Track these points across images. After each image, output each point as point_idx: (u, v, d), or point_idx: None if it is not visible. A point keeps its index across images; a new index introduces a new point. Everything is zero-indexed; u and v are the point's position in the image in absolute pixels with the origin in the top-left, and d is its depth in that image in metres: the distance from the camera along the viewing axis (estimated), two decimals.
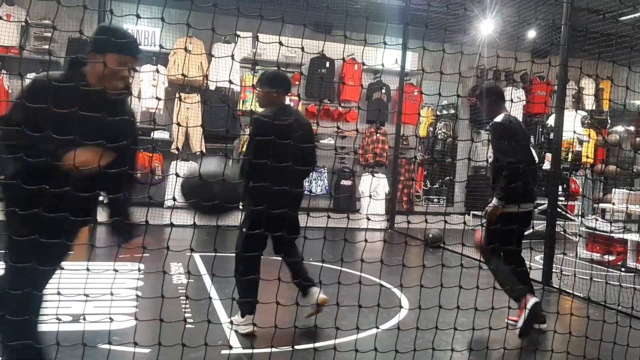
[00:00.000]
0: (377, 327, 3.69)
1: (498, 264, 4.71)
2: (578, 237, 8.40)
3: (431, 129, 12.71)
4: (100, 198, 3.08)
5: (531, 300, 4.53)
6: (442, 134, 12.57)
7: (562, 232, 6.28)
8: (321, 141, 11.60)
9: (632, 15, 7.98)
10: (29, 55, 9.96)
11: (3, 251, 2.72)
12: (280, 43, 3.40)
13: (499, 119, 4.81)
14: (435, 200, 12.94)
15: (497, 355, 3.99)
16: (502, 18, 9.62)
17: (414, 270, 4.33)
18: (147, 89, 10.37)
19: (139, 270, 5.45)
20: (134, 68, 3.02)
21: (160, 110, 10.60)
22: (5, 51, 9.79)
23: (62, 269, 3.04)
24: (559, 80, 6.41)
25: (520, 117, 12.29)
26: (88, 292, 3.38)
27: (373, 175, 11.60)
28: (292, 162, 3.36)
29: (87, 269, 3.08)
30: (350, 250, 4.81)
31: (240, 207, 3.73)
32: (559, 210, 8.18)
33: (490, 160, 5.00)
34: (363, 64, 4.44)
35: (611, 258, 7.83)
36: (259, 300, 3.32)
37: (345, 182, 11.89)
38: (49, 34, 9.98)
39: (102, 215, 3.13)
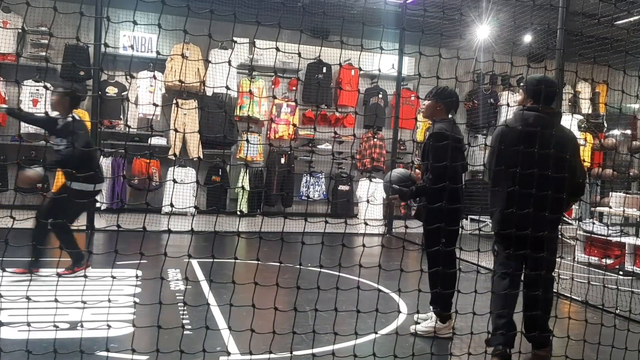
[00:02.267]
0: (376, 332, 3.68)
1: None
2: (576, 240, 8.41)
3: (428, 133, 12.72)
4: (98, 204, 3.08)
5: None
6: None
7: (559, 236, 6.28)
8: (318, 146, 11.62)
9: (627, 20, 8.02)
10: (25, 62, 9.97)
11: None
12: (277, 49, 3.41)
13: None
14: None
15: None
16: (498, 23, 9.66)
17: (412, 275, 4.33)
18: (144, 95, 10.37)
19: (137, 276, 5.44)
20: (131, 74, 3.04)
21: (158, 116, 10.61)
22: (2, 58, 9.79)
23: (60, 275, 3.04)
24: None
25: None
26: (85, 299, 3.37)
27: (370, 180, 11.61)
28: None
29: (85, 276, 3.07)
30: (349, 255, 4.80)
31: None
32: None
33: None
34: (360, 69, 4.46)
35: (609, 261, 7.84)
36: (255, 305, 3.31)
37: (343, 187, 11.90)
38: (46, 41, 9.98)
39: (100, 222, 3.13)
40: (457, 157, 4.34)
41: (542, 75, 4.25)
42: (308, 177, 11.60)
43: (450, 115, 4.57)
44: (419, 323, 4.56)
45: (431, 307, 4.56)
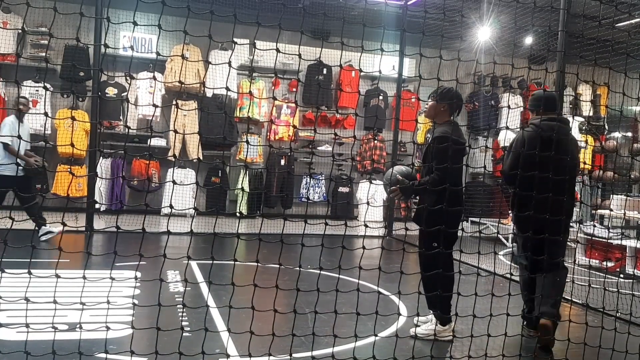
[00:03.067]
0: (376, 335, 3.67)
1: None
2: (576, 243, 8.39)
3: (429, 135, 12.71)
4: (97, 205, 3.07)
5: None
6: None
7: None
8: (318, 148, 11.60)
9: (628, 22, 8.01)
10: (25, 63, 9.96)
11: None
12: (278, 50, 3.40)
13: None
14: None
15: None
16: (499, 25, 9.65)
17: (412, 277, 4.31)
18: (143, 96, 10.36)
19: (136, 278, 5.43)
20: (131, 75, 3.03)
21: (157, 117, 10.60)
22: (2, 59, 9.78)
23: (59, 277, 3.03)
24: (556, 86, 6.42)
25: (518, 124, 12.34)
26: (84, 301, 3.35)
27: (370, 182, 11.59)
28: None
29: (84, 277, 3.05)
30: (348, 257, 4.79)
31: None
32: None
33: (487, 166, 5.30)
34: (360, 70, 4.44)
35: (609, 264, 7.82)
36: (255, 307, 3.29)
37: (343, 189, 11.88)
38: (46, 42, 9.97)
39: (99, 223, 3.11)
40: (459, 160, 4.33)
41: (540, 90, 4.91)
42: (308, 179, 11.59)
43: (452, 117, 4.56)
44: (419, 326, 4.54)
45: (431, 310, 4.54)
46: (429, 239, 4.35)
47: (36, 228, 7.51)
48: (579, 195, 10.77)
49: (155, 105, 3.53)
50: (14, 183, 7.10)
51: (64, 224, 3.04)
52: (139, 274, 5.41)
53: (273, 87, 11.29)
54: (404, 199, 4.71)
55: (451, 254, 4.42)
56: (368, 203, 11.24)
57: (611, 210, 7.95)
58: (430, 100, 4.64)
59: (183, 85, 10.30)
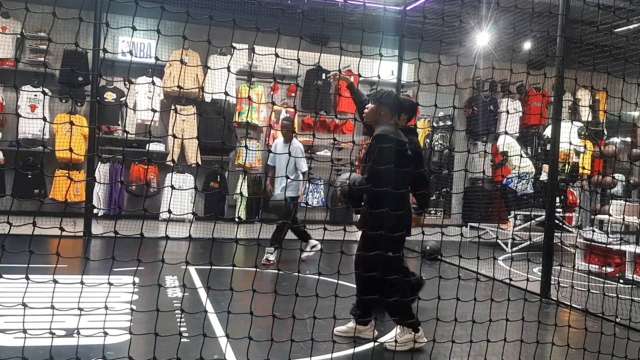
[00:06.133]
0: (375, 341, 3.66)
1: None
2: (576, 248, 8.38)
3: (428, 140, 12.72)
4: (95, 210, 3.05)
5: None
6: (439, 145, 12.58)
7: (559, 244, 6.27)
8: (317, 153, 11.59)
9: (626, 27, 8.02)
10: (24, 68, 9.94)
11: None
12: (277, 55, 3.40)
13: None
14: (432, 212, 12.91)
15: None
16: (498, 30, 9.66)
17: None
18: (142, 101, 10.36)
19: (134, 283, 5.41)
20: (130, 80, 3.02)
21: (156, 122, 10.59)
22: (1, 63, 9.76)
23: (57, 282, 3.01)
24: (555, 91, 6.43)
25: (517, 128, 12.35)
26: (82, 306, 3.34)
27: None
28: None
29: (81, 283, 3.04)
30: (347, 262, 4.77)
31: None
32: (557, 221, 8.16)
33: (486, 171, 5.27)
34: (359, 75, 4.46)
35: (609, 270, 7.81)
36: (254, 313, 3.28)
37: None
38: (45, 46, 9.97)
39: (97, 228, 3.10)
40: (400, 161, 4.08)
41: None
42: (307, 184, 11.57)
43: (394, 120, 4.45)
44: (397, 340, 4.40)
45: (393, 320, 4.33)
46: (367, 242, 4.24)
47: (302, 244, 7.37)
48: (577, 201, 10.77)
49: (154, 110, 3.53)
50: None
51: (61, 229, 3.03)
52: (137, 280, 5.39)
53: (272, 92, 11.29)
54: (346, 202, 4.63)
55: (399, 258, 4.26)
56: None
57: (610, 215, 7.94)
58: (370, 103, 4.55)
59: (182, 90, 10.30)
